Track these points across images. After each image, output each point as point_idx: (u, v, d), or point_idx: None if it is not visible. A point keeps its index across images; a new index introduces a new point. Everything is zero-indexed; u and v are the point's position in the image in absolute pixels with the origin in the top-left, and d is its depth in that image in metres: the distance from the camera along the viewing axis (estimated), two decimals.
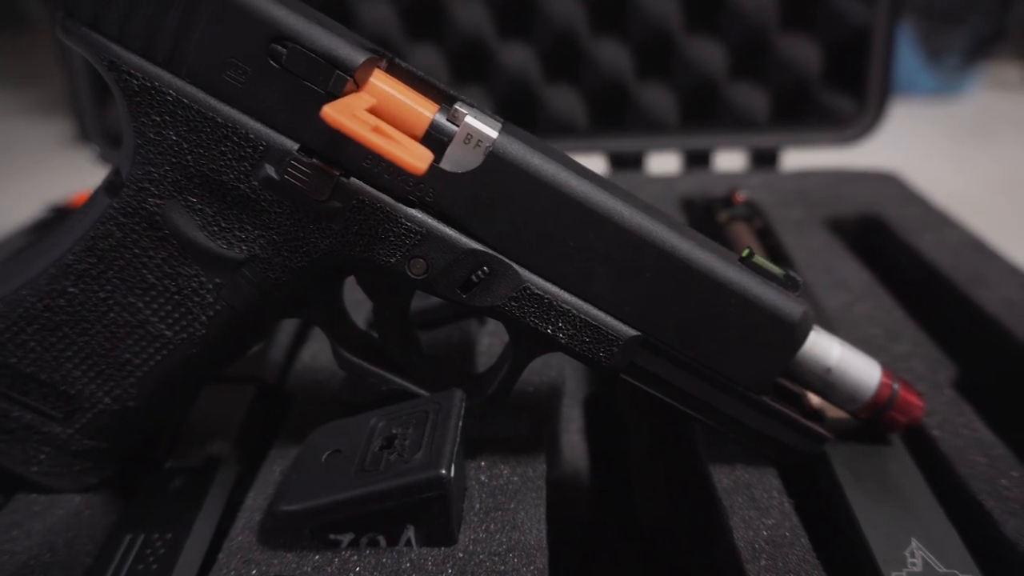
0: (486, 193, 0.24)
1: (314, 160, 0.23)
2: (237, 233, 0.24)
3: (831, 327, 0.35)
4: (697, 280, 0.25)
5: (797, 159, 0.64)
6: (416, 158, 0.21)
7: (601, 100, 0.64)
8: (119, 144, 0.62)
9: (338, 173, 0.24)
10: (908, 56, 1.22)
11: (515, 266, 0.25)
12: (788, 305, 0.25)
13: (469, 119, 0.24)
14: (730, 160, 0.65)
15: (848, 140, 0.63)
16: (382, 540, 0.24)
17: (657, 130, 0.64)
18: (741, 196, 0.47)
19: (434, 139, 0.24)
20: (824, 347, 0.26)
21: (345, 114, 0.20)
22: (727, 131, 0.64)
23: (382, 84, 0.24)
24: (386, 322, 0.27)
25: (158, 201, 0.24)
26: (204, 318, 0.25)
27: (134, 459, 0.29)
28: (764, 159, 0.64)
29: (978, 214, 0.60)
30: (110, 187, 0.25)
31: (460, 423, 0.25)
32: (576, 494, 0.31)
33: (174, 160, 0.24)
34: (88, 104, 0.61)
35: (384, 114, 0.23)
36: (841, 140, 0.63)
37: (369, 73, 0.23)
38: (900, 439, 0.28)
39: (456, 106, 0.24)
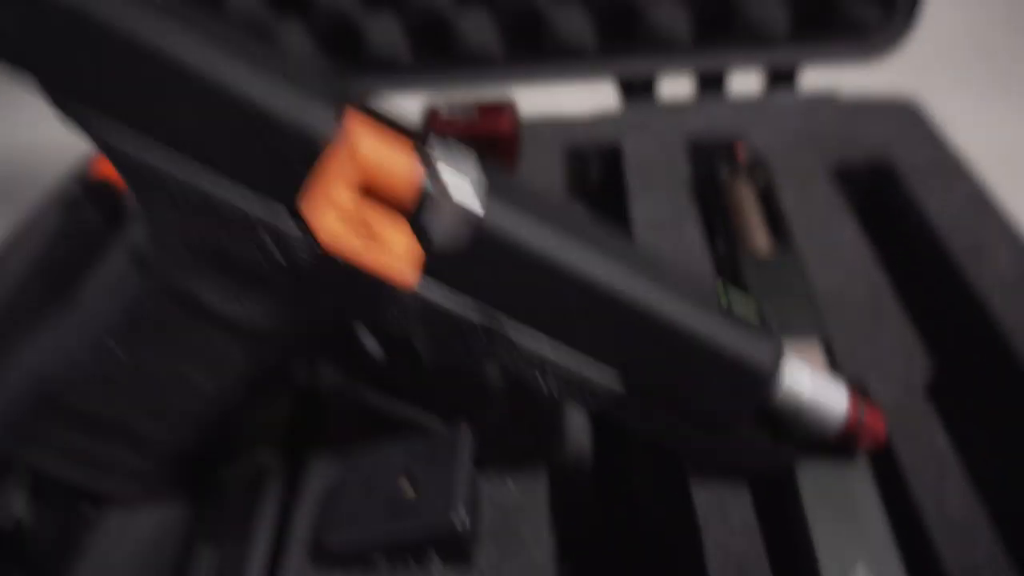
0: (474, 259, 0.25)
1: (303, 225, 0.24)
2: (250, 303, 0.26)
3: (819, 312, 0.37)
4: (668, 331, 0.26)
5: (817, 78, 0.61)
6: (400, 270, 0.22)
7: (610, 19, 0.60)
8: None
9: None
10: None
11: (505, 320, 0.26)
12: (761, 357, 0.27)
13: (454, 190, 0.24)
14: (745, 81, 0.62)
15: (872, 52, 0.60)
16: (411, 561, 0.29)
17: (669, 50, 0.61)
18: (743, 152, 0.47)
19: (417, 207, 0.24)
20: (795, 388, 0.29)
21: (341, 236, 0.21)
22: (743, 48, 0.61)
23: (364, 144, 0.23)
24: (398, 365, 0.30)
25: (182, 278, 0.26)
26: (235, 373, 0.29)
27: (196, 473, 0.34)
28: (781, 78, 0.62)
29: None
30: (135, 259, 0.26)
31: (470, 459, 0.29)
32: (581, 504, 0.35)
33: (186, 239, 0.25)
34: None
35: (367, 178, 0.23)
36: (865, 53, 0.60)
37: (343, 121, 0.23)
38: (864, 453, 0.31)
39: (435, 162, 0.24)
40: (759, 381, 0.27)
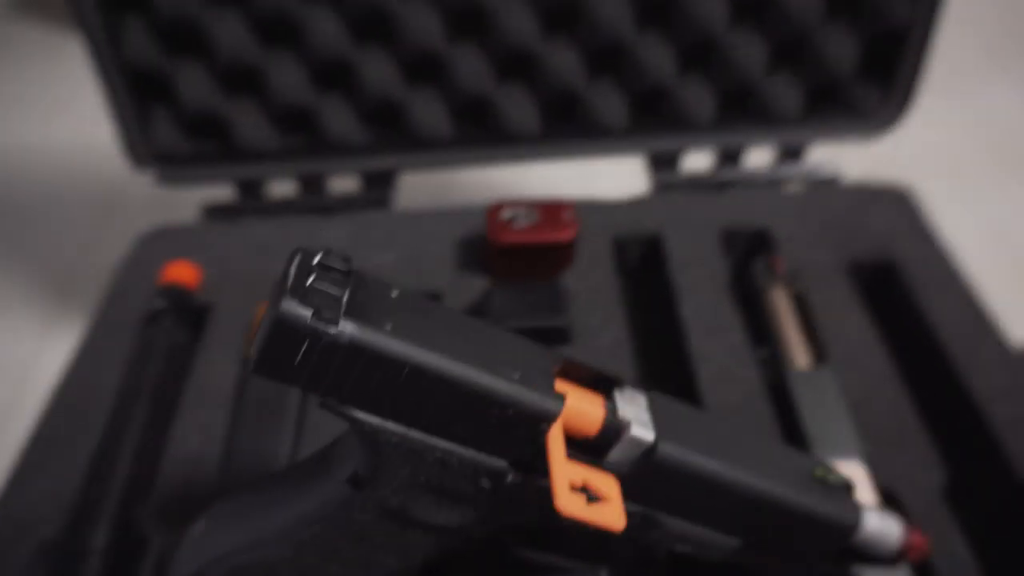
0: (642, 479, 0.31)
1: (521, 476, 0.30)
2: (454, 513, 0.32)
3: (856, 428, 0.44)
4: (784, 510, 0.34)
5: (819, 153, 0.68)
6: (616, 519, 0.28)
7: (643, 100, 0.65)
8: (174, 164, 0.62)
9: (538, 480, 0.31)
10: None
11: (660, 516, 0.33)
12: (848, 515, 0.35)
13: (634, 430, 0.30)
14: (759, 156, 0.68)
15: (873, 132, 0.67)
16: None
17: (693, 128, 0.66)
18: (783, 265, 0.53)
19: (601, 440, 0.30)
20: (863, 528, 0.36)
21: (575, 505, 0.27)
22: (759, 127, 0.66)
23: (570, 405, 0.29)
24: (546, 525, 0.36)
25: (395, 499, 0.31)
26: (420, 555, 0.34)
27: None
28: (791, 154, 0.68)
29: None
30: (353, 481, 0.31)
31: None
32: None
33: (409, 479, 0.30)
34: (134, 127, 0.60)
35: (568, 425, 0.30)
36: (866, 132, 0.67)
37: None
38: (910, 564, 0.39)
39: (617, 400, 0.31)
40: (846, 534, 0.35)
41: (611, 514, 0.28)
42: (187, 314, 0.52)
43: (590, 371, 0.31)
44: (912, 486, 0.43)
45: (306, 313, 0.25)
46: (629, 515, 0.32)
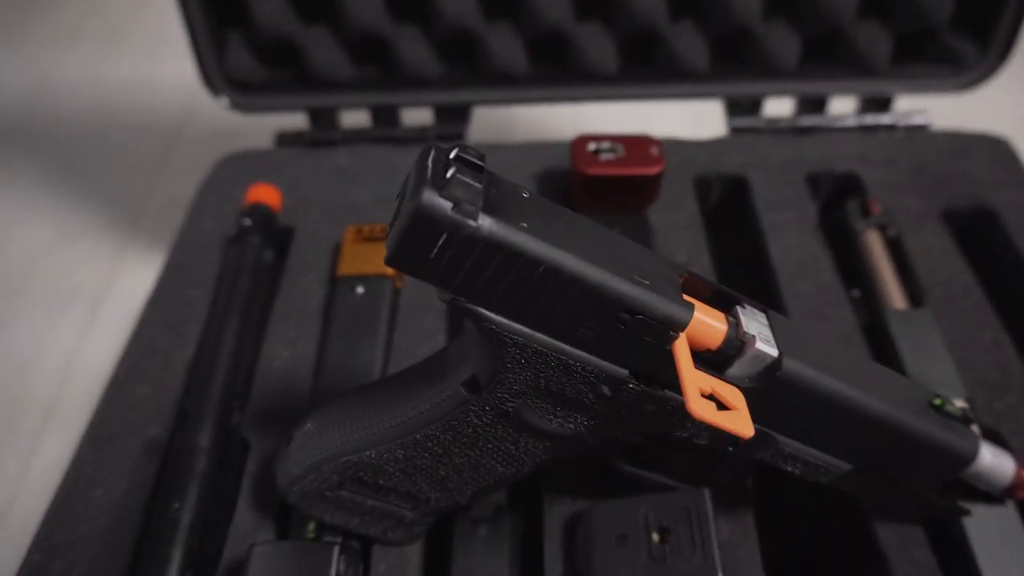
0: (762, 396, 0.31)
1: (643, 386, 0.30)
2: (570, 420, 0.31)
3: (956, 369, 0.43)
4: (904, 435, 0.33)
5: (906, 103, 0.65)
6: (745, 427, 0.27)
7: (725, 43, 0.63)
8: (247, 91, 0.61)
9: (658, 391, 0.30)
10: None
11: (775, 434, 0.32)
12: (966, 445, 0.34)
13: (758, 345, 0.29)
14: (843, 103, 0.66)
15: (965, 85, 0.64)
16: None
17: (777, 74, 0.64)
18: (878, 207, 0.52)
19: (722, 354, 0.30)
20: (978, 460, 0.35)
21: (706, 409, 0.27)
22: (846, 76, 0.64)
23: (696, 318, 0.29)
24: (653, 441, 0.36)
25: (512, 404, 0.30)
26: (531, 463, 0.33)
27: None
28: (877, 105, 0.66)
29: None
30: (469, 385, 0.31)
31: (713, 520, 0.35)
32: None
33: (529, 383, 0.30)
34: (209, 52, 0.59)
35: (692, 338, 0.29)
36: (958, 85, 0.64)
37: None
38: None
39: (740, 316, 0.30)
40: (961, 464, 0.34)
41: (740, 421, 0.27)
42: (272, 235, 0.52)
43: (711, 286, 0.31)
44: (1014, 430, 0.42)
45: (446, 205, 0.24)
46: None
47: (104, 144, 0.85)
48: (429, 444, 0.32)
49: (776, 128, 0.65)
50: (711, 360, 0.30)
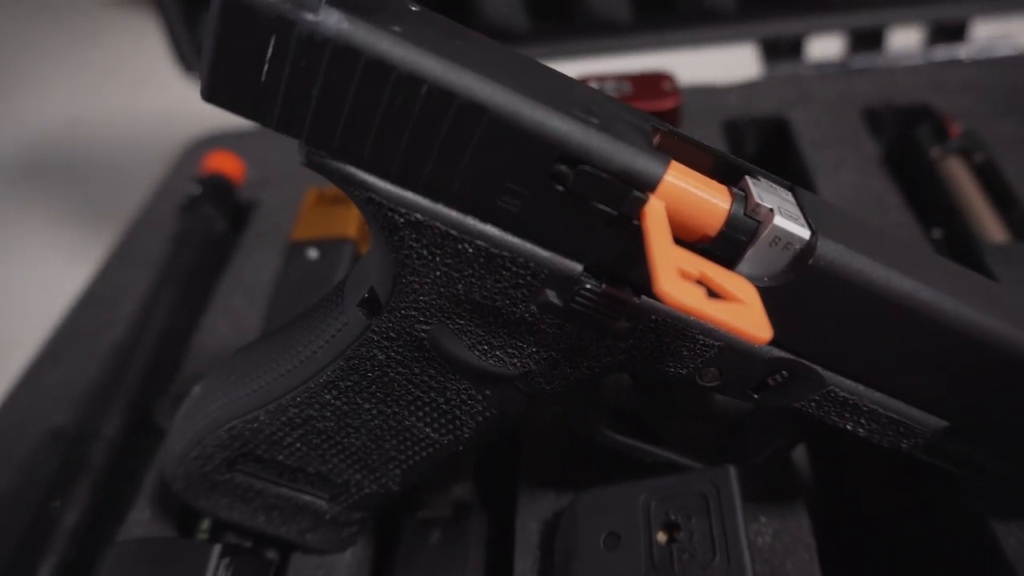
0: (792, 301, 0.21)
1: (604, 286, 0.20)
2: (511, 351, 0.22)
3: None
4: (1014, 372, 0.22)
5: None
6: (756, 324, 0.17)
7: None
8: None
9: (630, 295, 0.21)
10: None
11: (819, 369, 0.22)
12: None
13: (778, 221, 0.20)
14: (906, 37, 0.56)
15: None
16: None
17: (818, 7, 0.54)
18: (957, 127, 0.41)
19: (727, 242, 0.20)
20: None
21: (686, 292, 0.17)
22: (905, 1, 0.54)
23: (675, 180, 0.19)
24: (650, 401, 0.26)
25: (424, 327, 0.22)
26: (472, 423, 0.24)
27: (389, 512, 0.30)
28: (948, 34, 0.55)
29: None
30: (367, 305, 0.22)
31: (741, 507, 0.25)
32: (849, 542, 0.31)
33: (442, 289, 0.21)
34: (181, 31, 0.55)
35: (675, 215, 0.20)
36: None
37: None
38: None
39: (750, 187, 0.20)
40: None
41: (747, 317, 0.17)
42: (227, 205, 0.46)
43: (709, 153, 0.21)
44: None
45: None
46: (771, 364, 0.21)
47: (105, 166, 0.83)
48: (329, 397, 0.24)
49: (823, 74, 0.55)
50: (710, 252, 0.20)
